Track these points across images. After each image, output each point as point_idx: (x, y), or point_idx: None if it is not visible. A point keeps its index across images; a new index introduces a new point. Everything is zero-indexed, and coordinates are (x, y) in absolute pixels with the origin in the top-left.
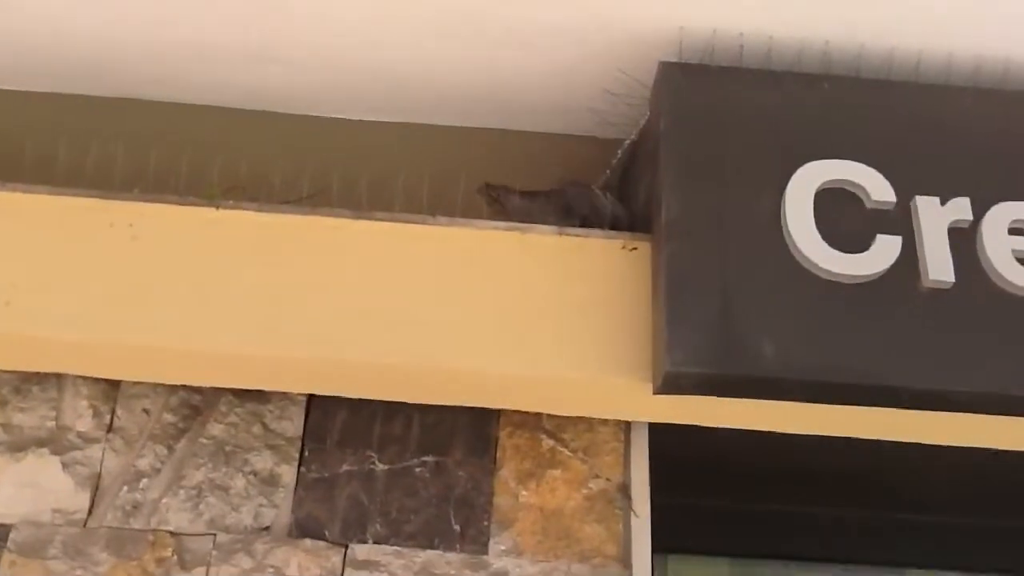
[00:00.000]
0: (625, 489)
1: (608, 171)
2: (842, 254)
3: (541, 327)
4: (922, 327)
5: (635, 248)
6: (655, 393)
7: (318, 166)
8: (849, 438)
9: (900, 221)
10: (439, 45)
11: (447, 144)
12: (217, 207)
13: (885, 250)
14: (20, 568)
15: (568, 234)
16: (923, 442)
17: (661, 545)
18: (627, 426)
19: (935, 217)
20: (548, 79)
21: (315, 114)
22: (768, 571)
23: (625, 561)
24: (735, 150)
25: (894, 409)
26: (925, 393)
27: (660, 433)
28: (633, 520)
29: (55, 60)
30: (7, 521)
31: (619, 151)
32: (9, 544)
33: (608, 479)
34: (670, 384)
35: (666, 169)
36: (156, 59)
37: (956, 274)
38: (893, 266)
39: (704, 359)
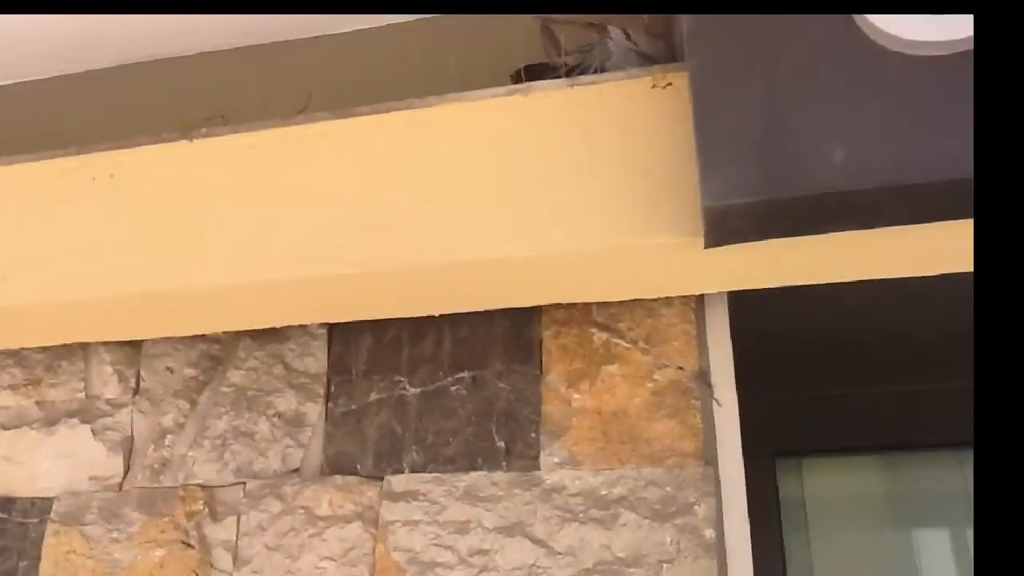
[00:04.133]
0: (704, 376)
1: (647, 17)
2: (922, 17)
3: (566, 197)
4: None
5: (669, 83)
6: (706, 247)
7: (296, 89)
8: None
9: None
10: None
11: (438, 28)
12: (191, 139)
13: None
14: (61, 536)
15: (581, 84)
16: None
17: (770, 447)
18: (699, 302)
19: None
20: None
21: (291, 38)
22: (925, 466)
23: (708, 457)
24: None
25: None
26: None
27: (749, 306)
28: (716, 410)
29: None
30: (50, 495)
31: None
32: (52, 515)
33: (680, 367)
34: (717, 227)
35: None
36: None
37: None
38: None
39: (752, 183)
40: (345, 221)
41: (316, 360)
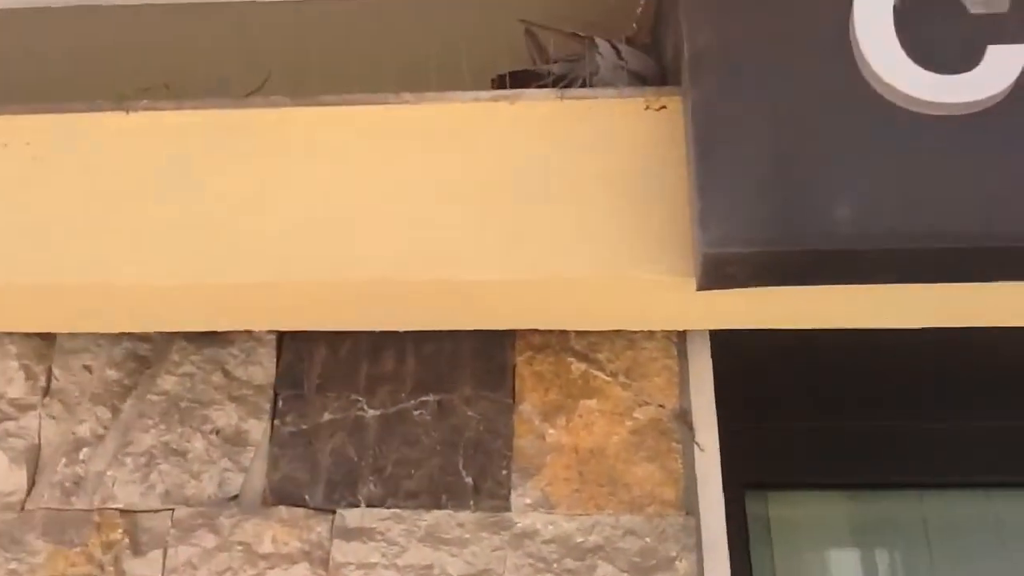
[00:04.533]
0: (684, 416)
1: (635, 24)
2: (937, 76)
3: (553, 218)
4: None
5: (663, 107)
6: (698, 289)
7: (255, 61)
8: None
9: (1019, 25)
10: None
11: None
12: (127, 110)
13: (1000, 66)
14: None
15: (572, 97)
16: None
17: (739, 479)
18: (682, 337)
19: None
20: None
21: None
22: (896, 503)
23: (689, 506)
24: None
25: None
26: None
27: (728, 341)
28: (698, 455)
29: None
30: None
31: None
32: None
33: (661, 405)
34: (713, 273)
35: None
36: None
37: None
38: (1013, 88)
39: (752, 234)
40: (301, 223)
41: (263, 370)
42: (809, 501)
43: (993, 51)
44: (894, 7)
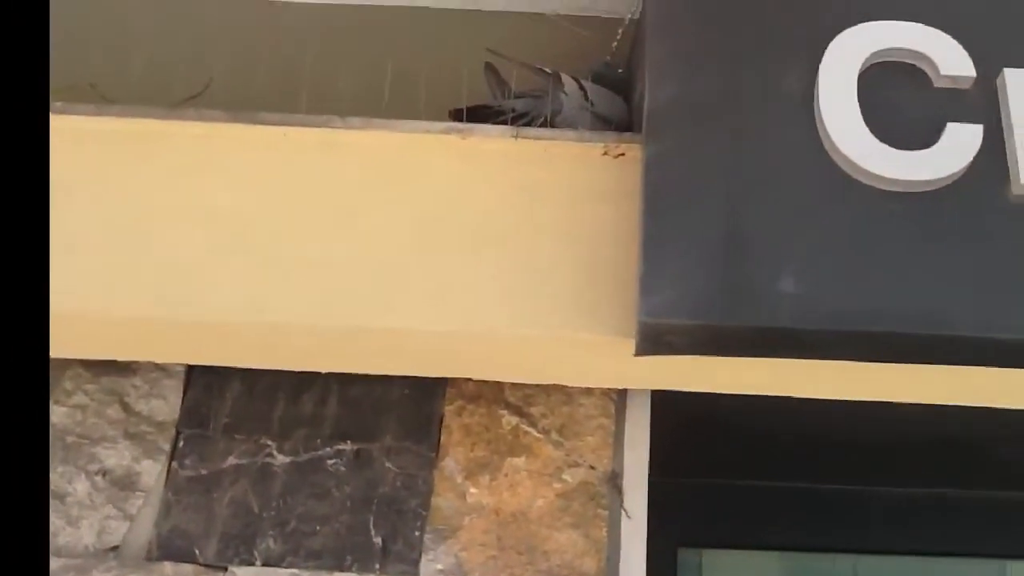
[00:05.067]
0: (615, 480)
1: (608, 58)
2: (898, 152)
3: (493, 266)
4: (1011, 253)
5: (622, 154)
6: (636, 354)
7: (195, 62)
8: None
9: (981, 104)
10: None
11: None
12: None
13: (959, 145)
14: None
15: (527, 136)
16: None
17: (673, 537)
18: (621, 394)
19: None
20: None
21: None
22: (827, 566)
23: None
24: (753, 11)
25: (971, 367)
26: (1013, 345)
27: (669, 399)
28: (624, 524)
29: None
30: None
31: (619, 30)
32: None
33: (592, 467)
34: (650, 341)
35: (653, 40)
36: None
37: None
38: (971, 167)
39: (694, 305)
40: (223, 252)
41: (166, 405)
42: (743, 561)
43: (952, 129)
44: (859, 75)
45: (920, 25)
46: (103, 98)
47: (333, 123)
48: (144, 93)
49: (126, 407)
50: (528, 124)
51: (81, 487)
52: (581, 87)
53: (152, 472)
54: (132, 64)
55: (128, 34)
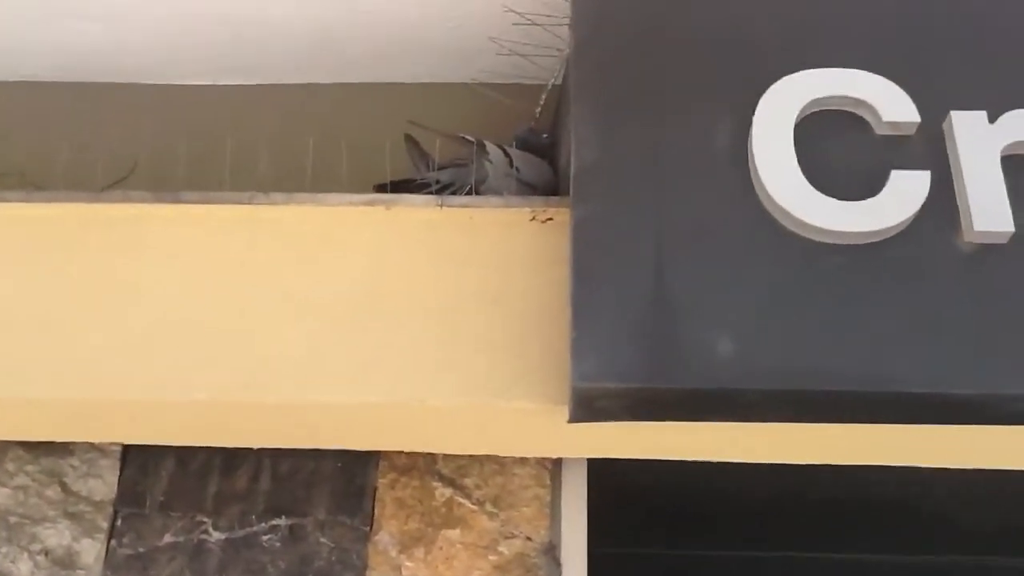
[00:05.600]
0: (552, 552)
1: (532, 123)
2: (839, 202)
3: (421, 337)
4: (963, 304)
5: (550, 218)
6: (570, 421)
7: (121, 145)
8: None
9: (927, 150)
10: None
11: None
12: None
13: (905, 193)
14: None
15: (452, 205)
16: (969, 467)
17: None
18: (557, 463)
19: (980, 140)
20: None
21: (120, 80)
22: None
23: None
24: (680, 66)
25: (921, 426)
26: (968, 402)
27: (606, 466)
28: None
29: None
30: None
31: (542, 96)
32: None
33: (529, 538)
34: (584, 407)
35: (577, 103)
36: None
37: (1016, 223)
38: (918, 215)
39: (626, 368)
40: (150, 331)
41: (104, 484)
42: None
43: (897, 177)
44: (796, 125)
45: (860, 71)
46: (32, 185)
47: (256, 199)
48: (71, 179)
49: (65, 487)
50: (454, 193)
51: (24, 567)
52: (506, 154)
53: (91, 551)
54: (59, 152)
55: (53, 125)
